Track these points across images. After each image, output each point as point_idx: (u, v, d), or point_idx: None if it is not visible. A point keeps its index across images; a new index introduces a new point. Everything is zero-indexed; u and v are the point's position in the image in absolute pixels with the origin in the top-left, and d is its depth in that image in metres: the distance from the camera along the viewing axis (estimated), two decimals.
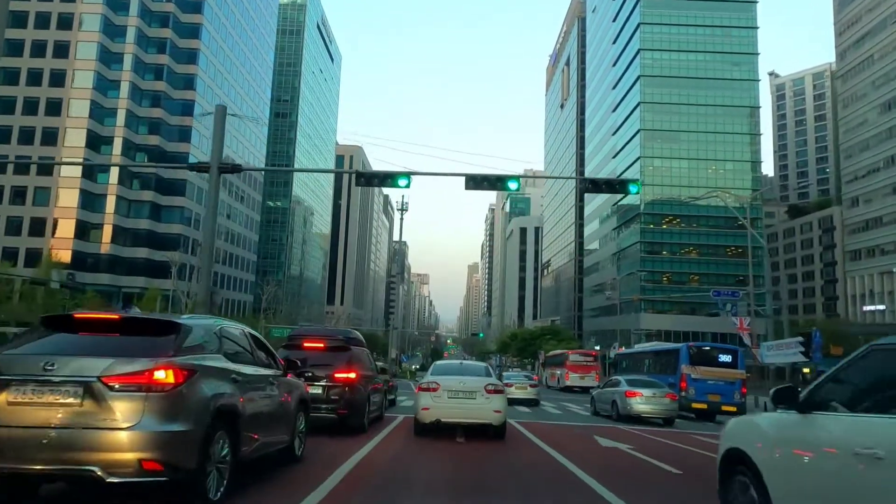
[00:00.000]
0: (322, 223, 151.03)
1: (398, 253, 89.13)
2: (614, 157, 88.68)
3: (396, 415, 15.77)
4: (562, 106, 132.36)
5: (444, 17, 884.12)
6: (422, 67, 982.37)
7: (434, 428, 10.93)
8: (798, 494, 3.64)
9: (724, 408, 20.60)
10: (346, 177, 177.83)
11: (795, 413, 3.89)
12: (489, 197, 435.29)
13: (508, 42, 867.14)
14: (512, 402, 19.58)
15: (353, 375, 10.57)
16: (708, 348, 23.56)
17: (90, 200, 66.30)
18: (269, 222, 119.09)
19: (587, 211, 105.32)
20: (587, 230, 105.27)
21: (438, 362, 13.40)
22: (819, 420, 3.67)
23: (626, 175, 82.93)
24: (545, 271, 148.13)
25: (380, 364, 19.32)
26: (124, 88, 68.85)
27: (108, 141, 68.31)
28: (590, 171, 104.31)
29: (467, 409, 10.69)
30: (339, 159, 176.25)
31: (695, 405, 20.99)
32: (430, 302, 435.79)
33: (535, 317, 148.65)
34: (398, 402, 20.86)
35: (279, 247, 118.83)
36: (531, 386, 24.50)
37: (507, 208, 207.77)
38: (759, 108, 78.91)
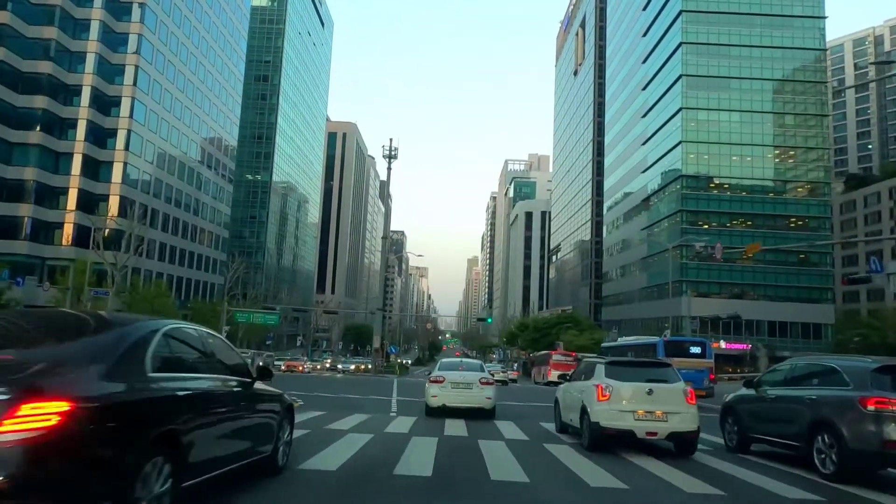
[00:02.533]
0: (311, 205, 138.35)
1: (389, 218, 76.43)
2: (644, 115, 75.50)
3: None
4: (575, 73, 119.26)
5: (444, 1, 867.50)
6: (419, 51, 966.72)
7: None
8: (563, 403, 11.53)
9: (696, 392, 22.10)
10: (338, 156, 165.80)
11: (568, 383, 11.70)
12: (491, 184, 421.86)
13: (514, 25, 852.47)
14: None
15: None
16: (681, 341, 27.80)
17: (1, 151, 53.47)
18: (247, 197, 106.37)
19: (608, 184, 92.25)
20: (607, 204, 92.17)
21: (444, 360, 16.38)
22: (567, 384, 11.69)
23: (662, 134, 69.79)
24: (553, 258, 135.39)
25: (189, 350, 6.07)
26: (56, 14, 56.17)
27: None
28: (611, 139, 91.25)
29: (465, 396, 13.55)
30: (332, 137, 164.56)
31: None
32: (430, 296, 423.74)
33: (541, 308, 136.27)
34: (301, 461, 6.95)
35: (259, 225, 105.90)
36: (502, 372, 37.25)
37: (511, 193, 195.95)
38: (825, 50, 65.57)
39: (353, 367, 54.02)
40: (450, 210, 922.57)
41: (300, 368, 42.62)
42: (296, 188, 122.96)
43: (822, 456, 7.61)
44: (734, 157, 63.06)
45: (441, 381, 13.58)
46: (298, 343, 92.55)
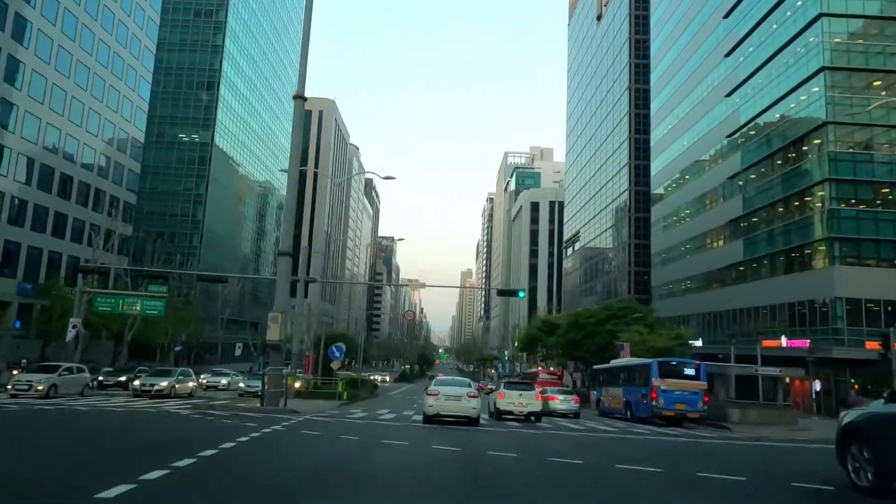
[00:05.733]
0: (275, 187, 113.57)
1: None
2: (726, 15, 51.57)
3: None
4: (599, 17, 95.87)
5: None
6: (410, 49, 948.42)
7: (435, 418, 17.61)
8: (489, 402, 23.97)
9: (690, 415, 23.95)
10: (313, 138, 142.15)
11: (492, 391, 27.69)
12: (489, 185, 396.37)
13: (513, 18, 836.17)
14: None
15: None
16: (675, 363, 26.62)
17: None
18: (180, 164, 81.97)
19: (657, 135, 68.16)
20: (657, 161, 67.98)
21: (439, 377, 22.36)
22: (491, 392, 27.81)
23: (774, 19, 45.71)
24: (569, 251, 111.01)
25: None
26: None
27: None
28: (666, 69, 67.48)
29: (455, 407, 17.25)
30: (307, 115, 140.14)
31: (665, 413, 23.99)
32: (422, 310, 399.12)
33: (551, 312, 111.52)
34: None
35: (194, 201, 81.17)
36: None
37: (513, 186, 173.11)
38: None
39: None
40: (443, 222, 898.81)
41: None
42: (250, 161, 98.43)
43: None
44: None
45: (436, 395, 17.45)
46: (238, 352, 67.17)
